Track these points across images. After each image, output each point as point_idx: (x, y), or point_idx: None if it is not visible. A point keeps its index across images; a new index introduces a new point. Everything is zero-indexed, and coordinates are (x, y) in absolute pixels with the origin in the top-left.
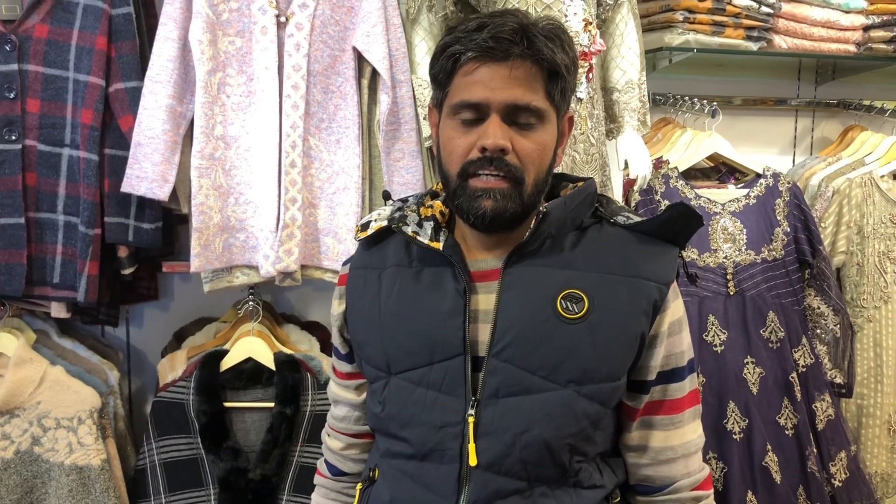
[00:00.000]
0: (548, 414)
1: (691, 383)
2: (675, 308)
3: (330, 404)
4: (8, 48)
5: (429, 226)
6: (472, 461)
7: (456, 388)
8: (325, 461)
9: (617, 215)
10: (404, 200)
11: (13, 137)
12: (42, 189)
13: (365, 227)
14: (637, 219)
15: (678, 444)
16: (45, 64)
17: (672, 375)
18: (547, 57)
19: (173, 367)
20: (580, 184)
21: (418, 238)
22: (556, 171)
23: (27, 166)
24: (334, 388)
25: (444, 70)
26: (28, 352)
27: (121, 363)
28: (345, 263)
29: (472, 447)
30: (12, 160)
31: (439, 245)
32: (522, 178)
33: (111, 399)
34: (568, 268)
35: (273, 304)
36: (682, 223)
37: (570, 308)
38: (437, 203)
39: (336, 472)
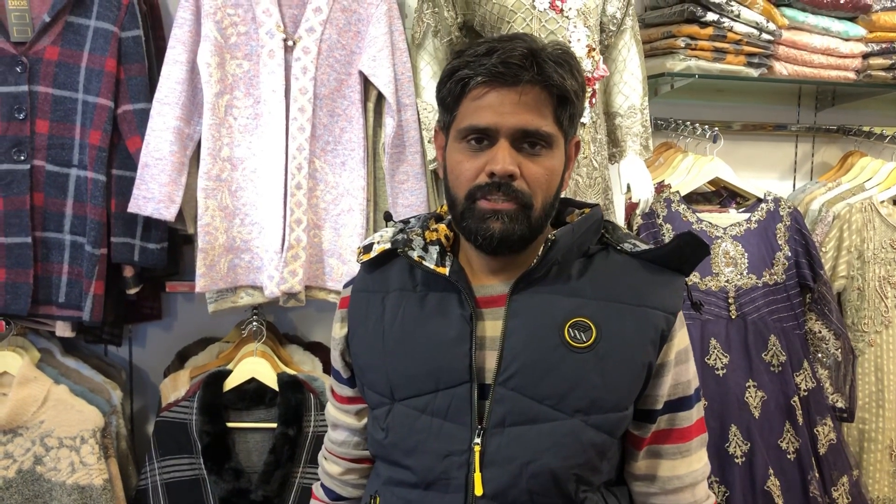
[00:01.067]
0: (555, 444)
1: (698, 412)
2: (682, 337)
3: None
4: (19, 70)
5: (434, 250)
6: (478, 491)
7: (462, 416)
8: (322, 485)
9: (623, 242)
10: (405, 222)
11: (22, 158)
12: (49, 209)
13: (367, 249)
14: (644, 246)
15: (685, 473)
16: (55, 85)
17: (680, 404)
18: (557, 83)
19: (176, 387)
20: (587, 210)
21: (424, 262)
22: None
23: (35, 186)
24: (333, 412)
25: (451, 94)
26: (32, 370)
27: (123, 382)
28: (346, 286)
29: (477, 476)
30: (20, 180)
31: (445, 270)
32: (531, 202)
33: (114, 419)
34: (575, 295)
35: (276, 324)
36: (689, 252)
37: (578, 337)
38: (442, 227)
39: (334, 497)
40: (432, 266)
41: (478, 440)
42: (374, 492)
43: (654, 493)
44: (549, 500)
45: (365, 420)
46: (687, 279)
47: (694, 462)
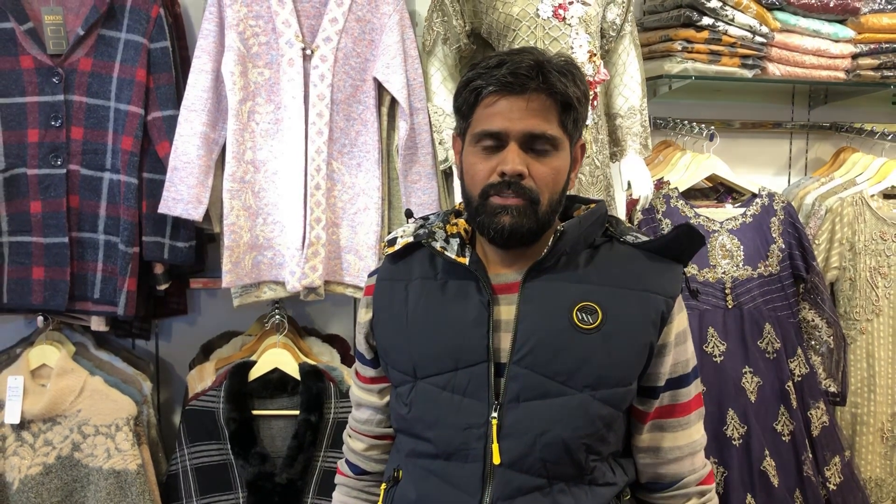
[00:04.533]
0: (566, 416)
1: (696, 388)
2: (681, 319)
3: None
4: (55, 80)
5: (455, 242)
6: (496, 460)
7: (480, 392)
8: (347, 461)
9: (626, 234)
10: (425, 218)
11: (58, 163)
12: (84, 210)
13: (392, 242)
14: (644, 238)
15: (686, 444)
16: (89, 94)
17: (680, 381)
18: (560, 90)
19: (202, 378)
20: (592, 206)
21: (446, 253)
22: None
23: (71, 189)
24: (357, 392)
25: (466, 103)
26: (69, 363)
27: (151, 374)
28: (371, 275)
29: (495, 447)
30: (57, 184)
31: (465, 260)
32: (538, 199)
33: (145, 408)
34: (583, 282)
35: (295, 317)
36: (686, 242)
37: (586, 319)
38: (461, 221)
39: (358, 472)
40: (453, 256)
41: (495, 414)
42: (396, 465)
43: (658, 463)
44: (562, 468)
45: (387, 399)
46: (685, 269)
47: (693, 433)
